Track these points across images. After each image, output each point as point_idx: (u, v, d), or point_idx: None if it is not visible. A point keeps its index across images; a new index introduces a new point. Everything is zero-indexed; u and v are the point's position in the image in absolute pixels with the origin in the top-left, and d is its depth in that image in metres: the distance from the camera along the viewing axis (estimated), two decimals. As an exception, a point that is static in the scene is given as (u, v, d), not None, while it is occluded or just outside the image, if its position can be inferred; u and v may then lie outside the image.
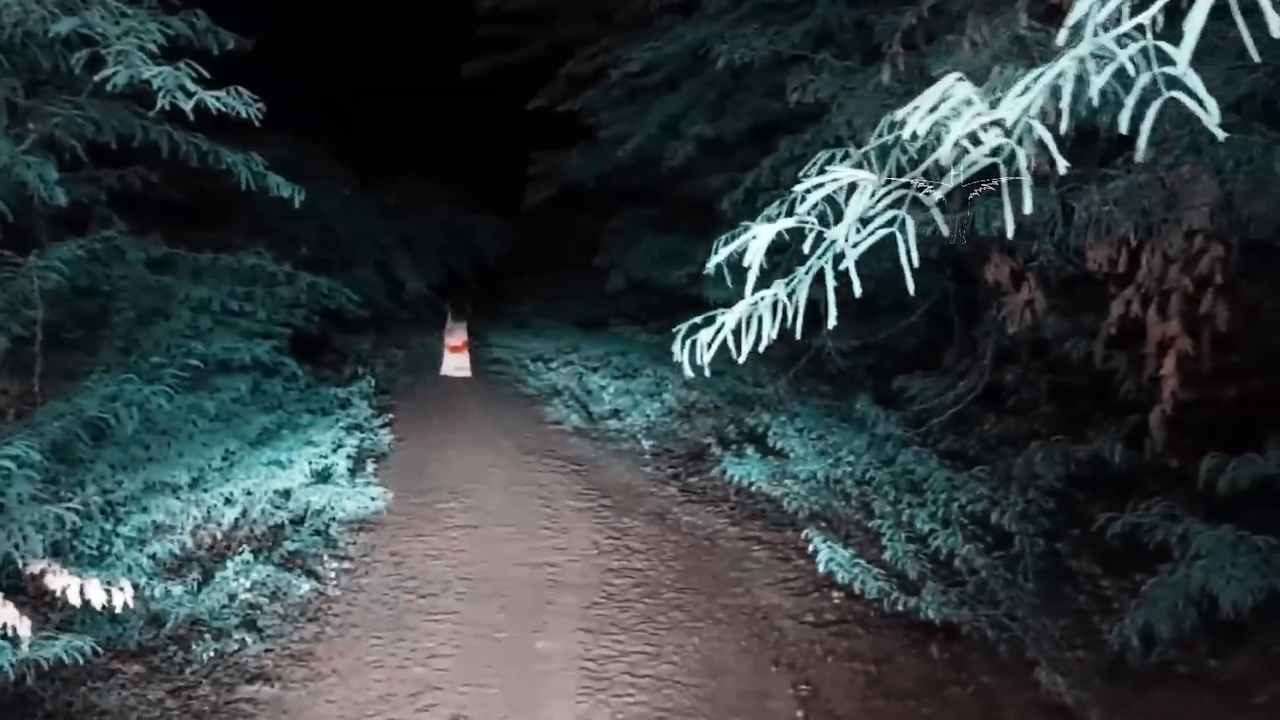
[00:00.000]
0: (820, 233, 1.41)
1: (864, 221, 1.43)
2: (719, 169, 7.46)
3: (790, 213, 1.49)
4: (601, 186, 9.67)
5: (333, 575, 6.88)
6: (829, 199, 1.46)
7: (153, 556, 5.17)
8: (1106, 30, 1.40)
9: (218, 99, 3.22)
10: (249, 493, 6.25)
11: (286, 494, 6.77)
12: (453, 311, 14.42)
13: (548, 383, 13.27)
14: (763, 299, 1.48)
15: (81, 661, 4.55)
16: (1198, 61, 1.49)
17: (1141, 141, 1.35)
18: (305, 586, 6.51)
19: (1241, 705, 4.78)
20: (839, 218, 1.47)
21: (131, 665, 5.48)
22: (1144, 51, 1.30)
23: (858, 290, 1.46)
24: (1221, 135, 1.38)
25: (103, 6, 3.17)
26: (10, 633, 3.70)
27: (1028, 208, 1.37)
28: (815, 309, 1.83)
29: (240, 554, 6.27)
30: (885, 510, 5.64)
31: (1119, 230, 3.98)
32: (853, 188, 1.40)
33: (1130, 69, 1.30)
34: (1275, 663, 4.97)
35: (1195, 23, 1.24)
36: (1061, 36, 1.49)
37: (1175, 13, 1.39)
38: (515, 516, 8.34)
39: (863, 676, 5.54)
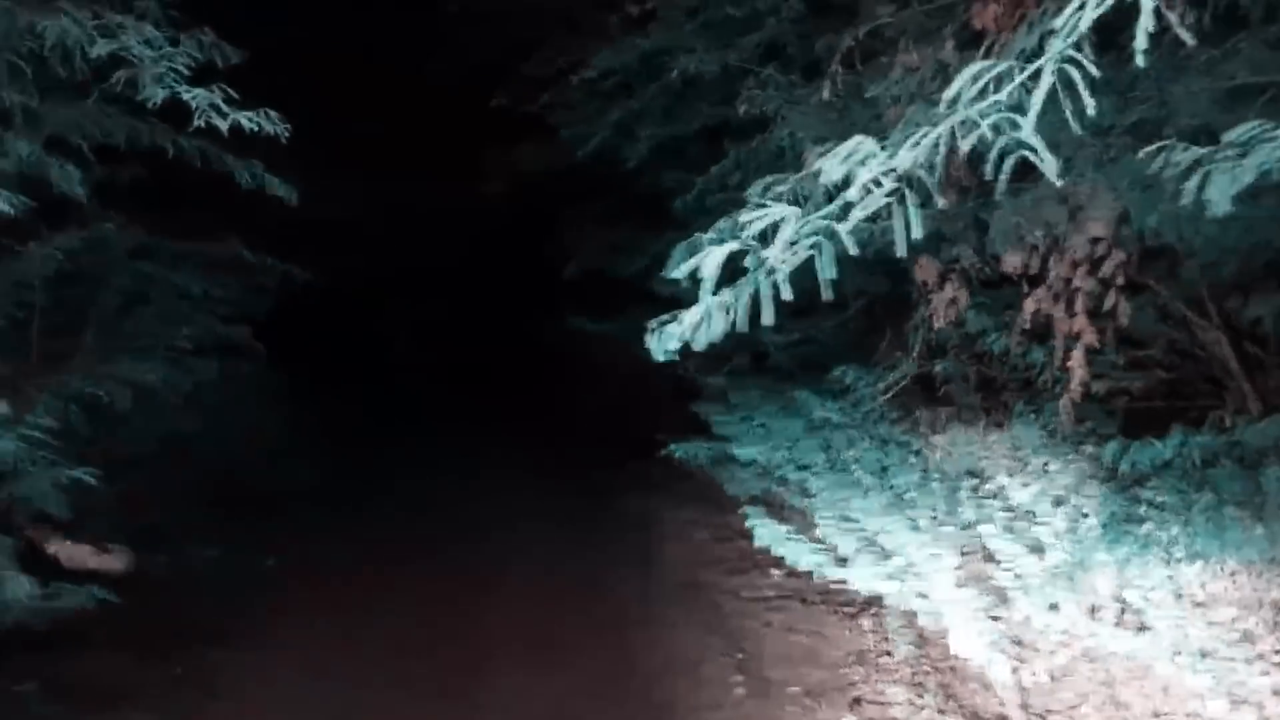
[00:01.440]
0: (759, 254, 1.87)
1: (793, 243, 1.90)
2: (670, 167, 8.02)
3: (738, 235, 1.94)
4: (553, 182, 10.22)
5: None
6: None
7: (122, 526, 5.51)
8: (980, 99, 1.88)
9: (250, 119, 3.58)
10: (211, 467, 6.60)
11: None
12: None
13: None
14: (714, 302, 1.93)
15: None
16: (1094, 94, 1.99)
17: (1001, 185, 1.83)
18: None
19: (1139, 674, 5.38)
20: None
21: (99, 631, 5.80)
22: (999, 122, 1.77)
23: (787, 295, 1.92)
24: (1060, 183, 1.87)
25: (136, 32, 3.51)
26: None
27: (916, 233, 1.84)
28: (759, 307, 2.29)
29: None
30: (820, 490, 6.18)
31: (1029, 238, 4.54)
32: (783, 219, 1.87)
33: (989, 134, 1.78)
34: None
35: (1036, 101, 1.72)
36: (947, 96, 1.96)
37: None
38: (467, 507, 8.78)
39: (797, 646, 6.03)
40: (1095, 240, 4.60)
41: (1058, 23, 1.71)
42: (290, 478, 7.86)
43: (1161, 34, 3.98)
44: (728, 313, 1.96)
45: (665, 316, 2.05)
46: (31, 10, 3.52)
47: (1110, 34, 2.41)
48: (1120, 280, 4.76)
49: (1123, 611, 5.44)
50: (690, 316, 2.00)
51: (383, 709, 5.14)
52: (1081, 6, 1.73)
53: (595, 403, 11.58)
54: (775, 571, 6.88)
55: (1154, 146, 2.26)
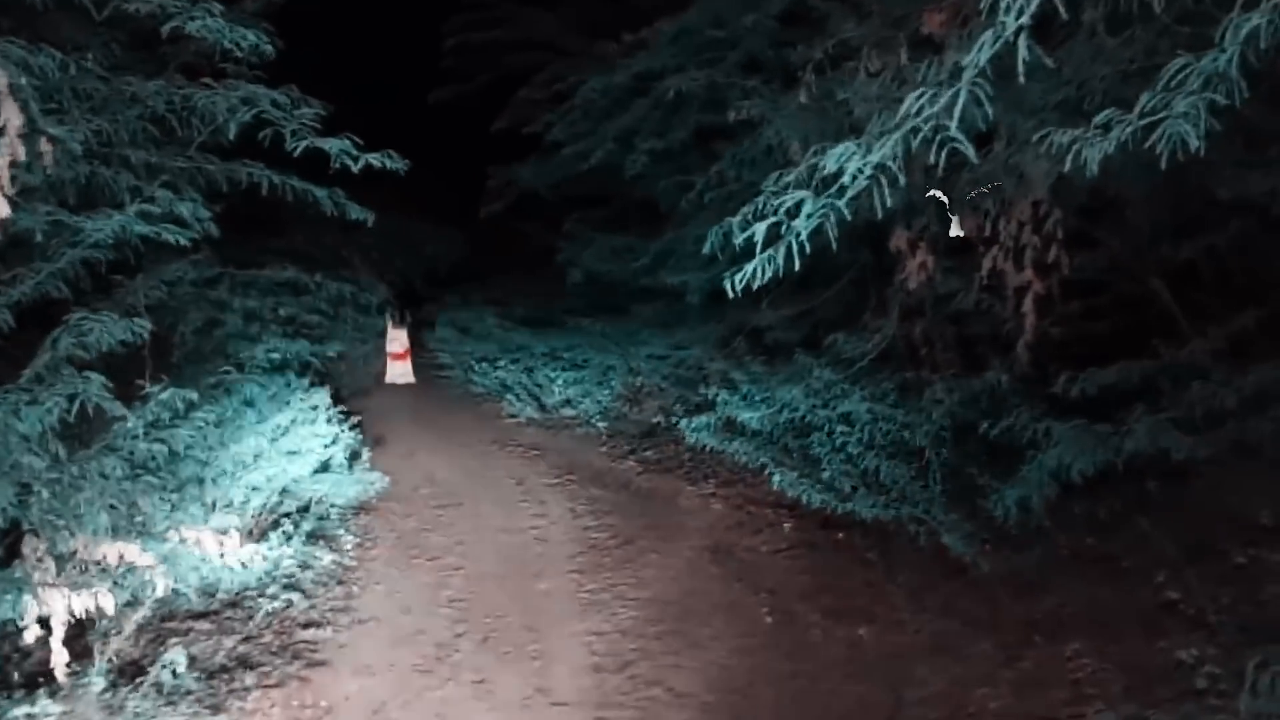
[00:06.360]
0: (789, 224, 2.95)
1: (809, 215, 2.98)
2: (664, 174, 9.14)
3: (764, 215, 3.04)
4: (552, 194, 11.31)
5: (348, 549, 8.29)
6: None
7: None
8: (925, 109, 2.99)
9: (377, 159, 4.65)
10: (272, 479, 7.59)
11: (300, 481, 8.14)
12: (392, 319, 15.62)
13: (497, 380, 14.62)
14: (764, 257, 3.02)
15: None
16: (1032, 80, 3.11)
17: (941, 167, 2.95)
18: (328, 558, 7.90)
19: (1110, 571, 6.53)
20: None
21: (200, 623, 6.81)
22: (937, 125, 2.88)
23: (808, 250, 3.01)
24: (976, 161, 2.97)
25: (271, 100, 4.58)
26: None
27: (889, 205, 2.93)
28: (747, 293, 3.35)
29: (273, 532, 7.63)
30: (823, 441, 7.29)
31: (982, 204, 5.67)
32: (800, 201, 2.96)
33: (930, 135, 2.88)
34: (1141, 540, 6.74)
35: (955, 113, 2.83)
36: (903, 107, 3.07)
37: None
38: (492, 496, 9.75)
39: (814, 584, 7.14)
40: (1037, 202, 5.75)
41: (965, 60, 2.82)
42: (333, 491, 8.86)
43: (1076, 27, 5.17)
44: (769, 266, 3.04)
45: (735, 269, 3.11)
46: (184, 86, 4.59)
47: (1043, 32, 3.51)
48: (1060, 235, 5.90)
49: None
50: (749, 267, 3.07)
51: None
52: (979, 48, 2.85)
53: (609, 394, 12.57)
54: (787, 525, 8.02)
55: (1043, 131, 3.40)
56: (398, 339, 15.66)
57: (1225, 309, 6.70)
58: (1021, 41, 2.85)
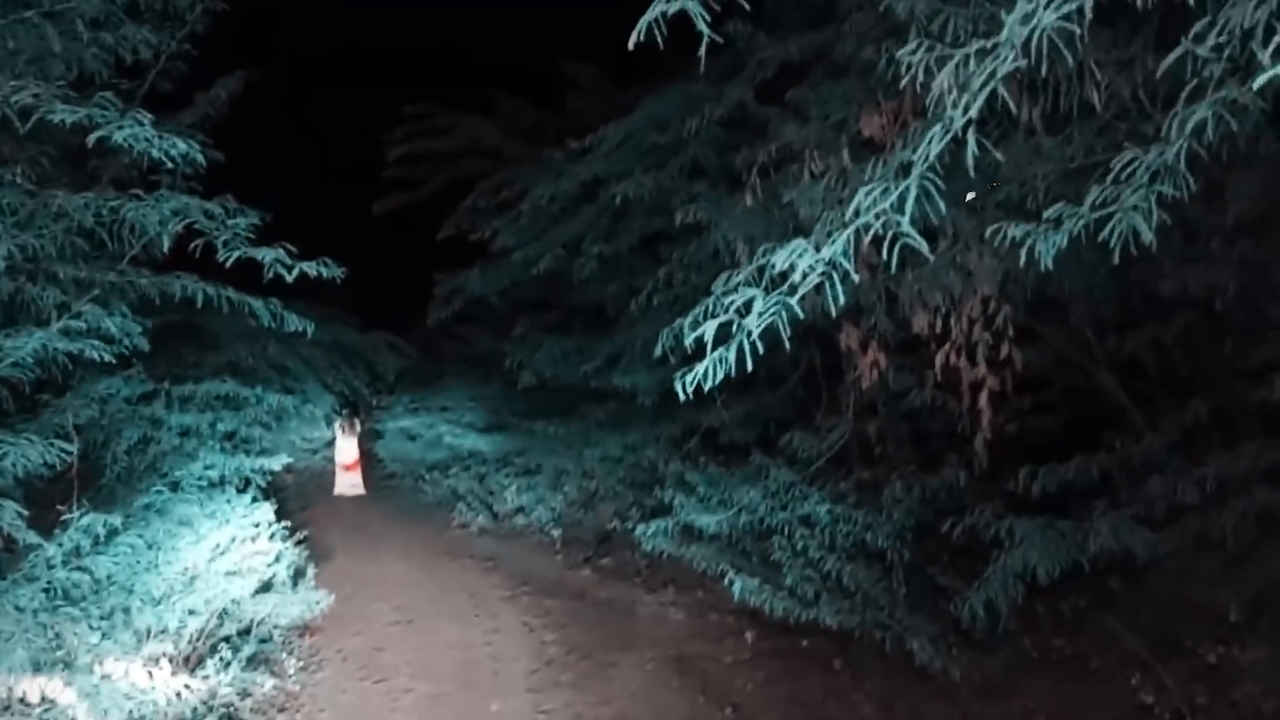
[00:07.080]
0: (739, 323, 2.82)
1: (760, 313, 2.86)
2: (612, 278, 9.12)
3: (716, 313, 2.92)
4: (500, 299, 11.29)
5: (291, 672, 7.86)
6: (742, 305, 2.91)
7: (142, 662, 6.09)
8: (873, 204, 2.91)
9: (313, 267, 4.49)
10: (210, 601, 7.20)
11: (240, 602, 7.74)
12: (341, 429, 15.30)
13: (447, 489, 14.33)
14: (715, 356, 2.88)
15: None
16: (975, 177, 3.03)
17: (894, 264, 2.85)
18: (269, 683, 7.46)
19: (1079, 672, 6.35)
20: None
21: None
22: (888, 221, 2.79)
23: (760, 350, 2.87)
24: (932, 260, 2.88)
25: (203, 210, 4.44)
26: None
27: (841, 301, 2.83)
28: (699, 393, 3.24)
29: (210, 658, 7.20)
30: (783, 544, 7.09)
31: (932, 301, 5.63)
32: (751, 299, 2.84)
33: (881, 230, 2.79)
34: (1109, 639, 6.58)
35: (908, 208, 2.75)
36: (850, 209, 2.98)
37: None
38: (444, 610, 9.41)
39: (780, 695, 6.88)
40: (986, 299, 5.71)
41: (915, 155, 2.75)
42: (274, 612, 8.46)
43: (1014, 127, 5.20)
44: (721, 365, 2.90)
45: (685, 369, 2.97)
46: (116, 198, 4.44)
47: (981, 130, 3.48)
48: (1010, 331, 5.86)
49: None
50: (700, 368, 2.92)
51: None
52: (929, 142, 2.78)
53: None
54: (750, 634, 7.75)
55: (995, 225, 3.33)
56: (347, 450, 15.32)
57: (1173, 400, 6.69)
58: (970, 137, 2.78)
